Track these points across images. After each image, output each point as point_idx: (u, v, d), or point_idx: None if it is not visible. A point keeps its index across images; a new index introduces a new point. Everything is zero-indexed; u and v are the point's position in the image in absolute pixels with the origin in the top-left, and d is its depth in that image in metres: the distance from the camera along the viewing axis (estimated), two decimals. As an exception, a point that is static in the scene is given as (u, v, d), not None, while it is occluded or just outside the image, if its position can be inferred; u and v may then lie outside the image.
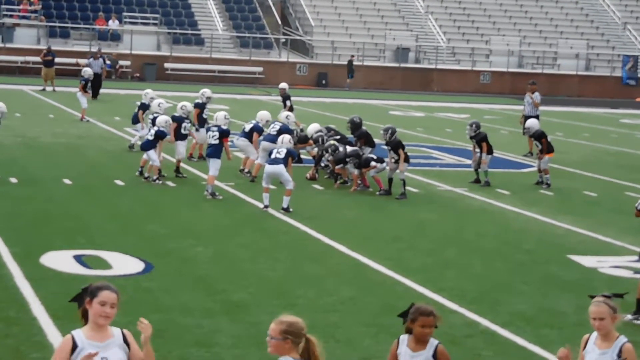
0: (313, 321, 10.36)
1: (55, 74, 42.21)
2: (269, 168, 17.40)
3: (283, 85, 28.97)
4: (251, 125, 21.44)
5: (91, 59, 40.32)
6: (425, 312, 6.48)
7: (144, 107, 24.23)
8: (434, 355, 6.51)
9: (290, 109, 26.99)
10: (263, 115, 21.64)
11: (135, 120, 24.75)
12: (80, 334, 5.94)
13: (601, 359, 6.22)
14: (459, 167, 24.45)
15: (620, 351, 6.22)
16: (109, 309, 5.92)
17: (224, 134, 18.45)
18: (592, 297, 6.48)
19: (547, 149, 21.74)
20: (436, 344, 6.54)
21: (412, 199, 19.62)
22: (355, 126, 21.59)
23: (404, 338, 6.60)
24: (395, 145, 19.58)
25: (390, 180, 19.68)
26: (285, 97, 27.88)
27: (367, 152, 20.79)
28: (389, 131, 19.76)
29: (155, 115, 20.96)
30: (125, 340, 6.00)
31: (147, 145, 19.66)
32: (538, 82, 32.77)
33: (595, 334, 6.38)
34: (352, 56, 53.16)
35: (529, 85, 28.98)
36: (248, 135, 21.23)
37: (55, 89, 41.06)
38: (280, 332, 5.85)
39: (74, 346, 5.89)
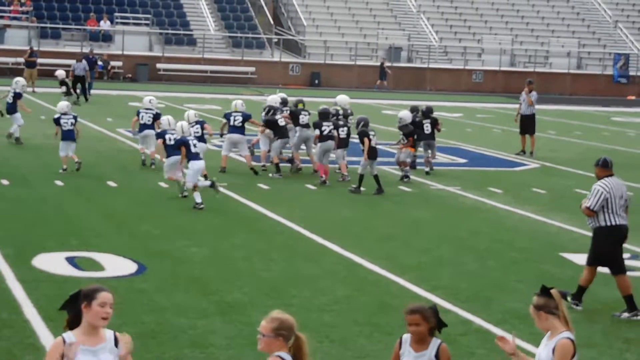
0: (307, 321, 10.37)
1: (37, 75, 42.16)
2: (199, 163, 17.55)
3: (60, 72, 29.84)
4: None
5: (74, 62, 40.18)
6: (407, 311, 6.45)
7: (19, 96, 25.60)
8: (437, 355, 6.47)
9: (68, 94, 27.66)
10: (342, 99, 22.85)
11: (12, 110, 25.24)
12: (71, 338, 5.84)
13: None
14: (452, 166, 24.45)
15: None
16: (110, 310, 5.88)
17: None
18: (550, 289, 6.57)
19: (412, 144, 21.54)
20: (439, 343, 6.49)
21: (405, 198, 19.62)
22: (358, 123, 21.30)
23: (407, 337, 6.56)
24: (359, 135, 19.73)
25: (376, 177, 19.61)
26: (63, 84, 28.96)
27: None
28: (356, 121, 20.14)
29: (147, 111, 21.71)
30: (116, 344, 5.94)
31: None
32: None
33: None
34: (384, 59, 53.44)
35: (526, 85, 28.62)
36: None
37: (36, 89, 40.92)
38: (272, 330, 5.84)
39: (65, 349, 5.82)
